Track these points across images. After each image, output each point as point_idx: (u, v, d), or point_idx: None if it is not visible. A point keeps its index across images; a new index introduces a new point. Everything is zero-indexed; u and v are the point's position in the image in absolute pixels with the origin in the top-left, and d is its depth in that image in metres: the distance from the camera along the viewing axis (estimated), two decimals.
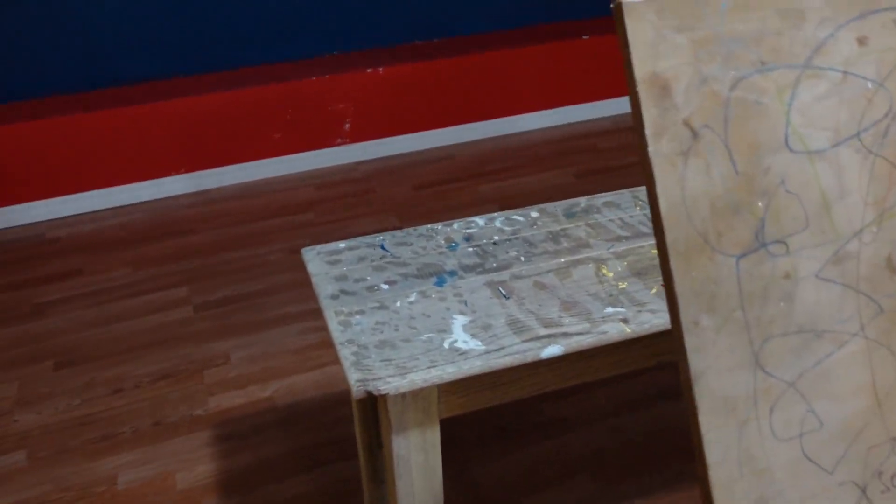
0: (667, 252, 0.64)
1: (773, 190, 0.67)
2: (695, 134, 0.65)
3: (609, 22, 3.97)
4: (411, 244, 1.44)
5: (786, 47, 0.68)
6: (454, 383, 1.17)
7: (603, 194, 1.59)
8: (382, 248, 1.44)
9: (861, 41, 0.70)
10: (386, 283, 1.32)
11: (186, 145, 3.31)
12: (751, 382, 0.67)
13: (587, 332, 1.17)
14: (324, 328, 2.39)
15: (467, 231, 1.48)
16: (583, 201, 1.57)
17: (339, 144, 3.55)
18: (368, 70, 3.45)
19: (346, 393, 2.12)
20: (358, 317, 1.23)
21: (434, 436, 1.20)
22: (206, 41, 3.42)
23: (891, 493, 0.72)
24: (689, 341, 0.65)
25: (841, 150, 0.70)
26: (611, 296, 1.25)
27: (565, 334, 1.17)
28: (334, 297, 1.29)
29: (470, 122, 3.74)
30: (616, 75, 3.92)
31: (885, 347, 0.72)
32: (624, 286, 1.28)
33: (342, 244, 1.46)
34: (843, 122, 0.70)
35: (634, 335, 1.17)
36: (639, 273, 1.32)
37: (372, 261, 1.39)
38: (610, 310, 1.22)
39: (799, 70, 0.68)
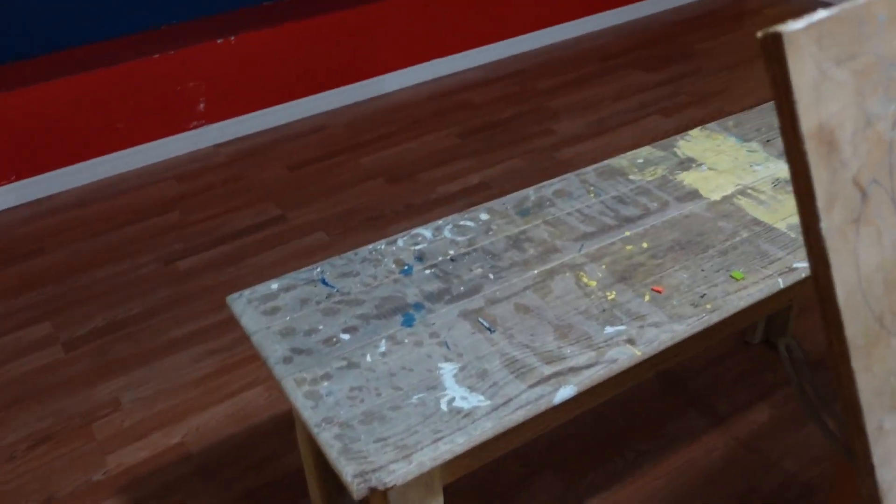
0: (847, 350, 0.50)
1: None
2: (864, 194, 0.50)
3: None
4: (357, 273, 1.24)
5: None
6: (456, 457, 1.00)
7: (550, 182, 1.44)
8: (324, 283, 1.22)
9: None
10: (344, 331, 1.12)
11: (12, 149, 2.84)
12: None
13: (595, 364, 1.03)
14: (223, 349, 2.13)
15: (416, 248, 1.29)
16: (531, 193, 1.41)
17: (195, 128, 3.18)
18: (218, 40, 3.09)
19: (269, 423, 1.90)
20: (326, 384, 1.03)
21: None
22: (16, 22, 2.91)
23: None
24: (876, 452, 0.52)
25: None
26: (604, 311, 1.12)
27: (572, 369, 1.02)
28: (287, 360, 1.07)
29: (336, 86, 3.46)
30: (480, 21, 3.76)
31: None
32: (613, 297, 1.15)
33: (274, 285, 1.23)
34: None
35: (645, 356, 1.05)
36: (622, 277, 1.19)
37: (318, 302, 1.18)
38: (610, 329, 1.08)
39: None
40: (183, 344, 2.16)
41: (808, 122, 0.48)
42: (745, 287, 1.15)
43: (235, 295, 1.21)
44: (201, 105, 3.16)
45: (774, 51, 0.47)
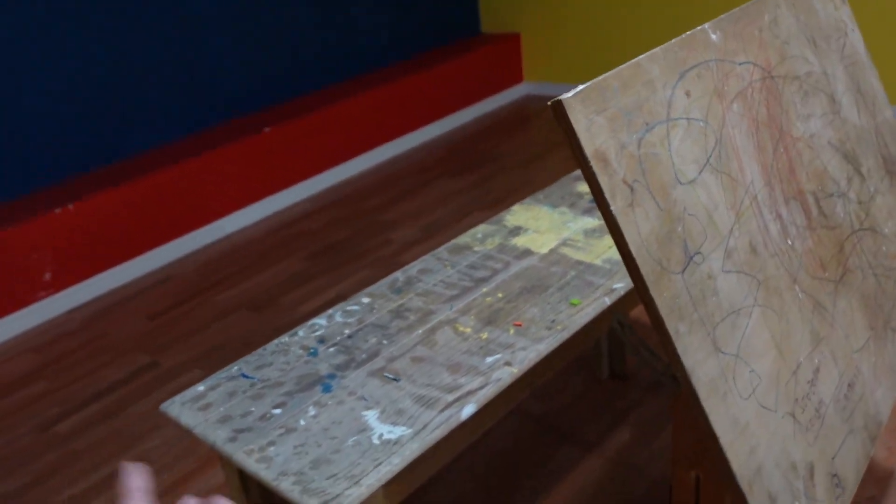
0: (645, 283, 0.81)
1: (681, 215, 0.88)
2: (631, 189, 0.82)
3: (285, 111, 4.13)
4: (271, 363, 1.44)
5: (654, 108, 0.89)
6: (395, 478, 1.21)
7: (412, 264, 1.73)
8: (245, 376, 1.41)
9: (688, 94, 0.94)
10: (275, 407, 1.31)
11: None
12: (717, 363, 0.86)
13: (486, 384, 1.29)
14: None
15: (316, 334, 1.51)
16: (399, 275, 1.69)
17: (42, 298, 3.20)
18: (57, 210, 3.17)
19: None
20: (272, 448, 1.21)
21: None
22: None
23: (808, 408, 0.96)
24: (679, 346, 0.82)
25: (704, 176, 0.93)
26: (481, 348, 1.39)
27: (469, 392, 1.28)
28: (232, 439, 1.25)
29: (178, 236, 3.61)
30: (304, 155, 4.09)
31: (769, 308, 0.96)
32: (485, 336, 1.43)
33: (200, 387, 1.40)
34: (698, 155, 0.93)
35: (521, 372, 1.33)
36: (489, 321, 1.47)
37: (244, 392, 1.36)
38: (490, 359, 1.36)
39: (666, 123, 0.90)
40: (83, 499, 2.16)
41: (588, 149, 0.79)
42: (582, 309, 1.47)
43: (167, 402, 1.36)
44: (47, 275, 3.19)
45: (560, 110, 0.79)
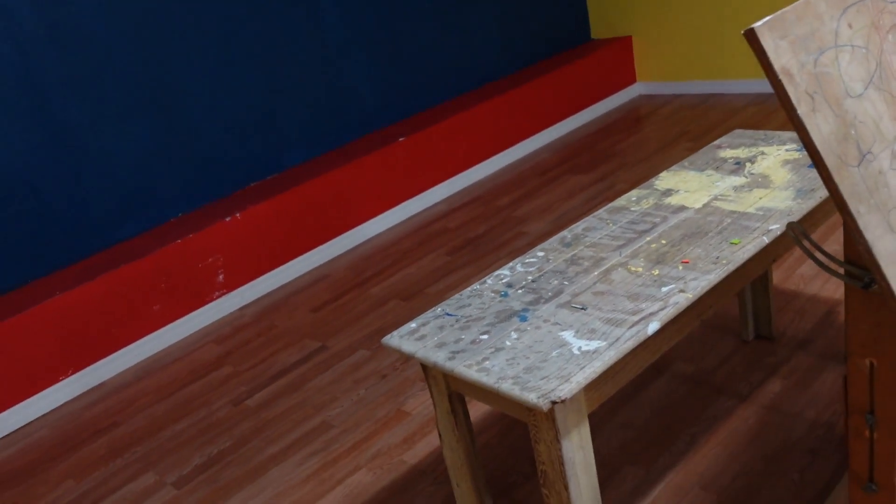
0: (829, 172, 0.99)
1: (853, 122, 1.05)
2: (812, 98, 1.01)
3: (416, 122, 4.45)
4: (469, 304, 1.67)
5: (824, 36, 1.07)
6: (594, 381, 1.41)
7: (577, 224, 1.94)
8: (448, 314, 1.65)
9: (850, 25, 1.12)
10: (482, 334, 1.54)
11: (65, 347, 3.16)
12: (893, 240, 1.03)
13: (665, 307, 1.48)
14: (318, 451, 2.45)
15: (503, 281, 1.74)
16: (566, 233, 1.90)
17: (217, 297, 3.58)
18: (227, 219, 3.56)
19: (383, 492, 2.21)
20: (487, 362, 1.44)
21: (586, 432, 1.42)
22: (54, 236, 3.34)
23: None
24: (861, 223, 0.99)
25: (869, 92, 1.10)
26: (655, 281, 1.58)
27: (651, 314, 1.47)
28: (450, 358, 1.48)
29: (328, 240, 3.95)
30: (434, 167, 4.38)
31: None
32: (657, 272, 1.62)
33: (413, 324, 1.64)
34: (863, 75, 1.10)
35: (695, 297, 1.51)
36: (658, 262, 1.66)
37: (452, 326, 1.60)
38: (665, 289, 1.54)
39: (834, 49, 1.08)
40: (282, 456, 2.46)
41: (776, 65, 0.98)
42: (743, 246, 1.64)
43: (387, 336, 1.62)
44: (220, 277, 3.58)
45: (752, 35, 0.98)
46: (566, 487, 1.42)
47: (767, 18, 1.01)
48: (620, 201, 2.02)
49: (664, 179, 2.10)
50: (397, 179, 4.21)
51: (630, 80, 5.52)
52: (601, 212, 1.99)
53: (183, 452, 2.61)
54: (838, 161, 1.01)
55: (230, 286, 3.61)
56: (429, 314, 1.67)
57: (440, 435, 1.71)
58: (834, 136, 1.02)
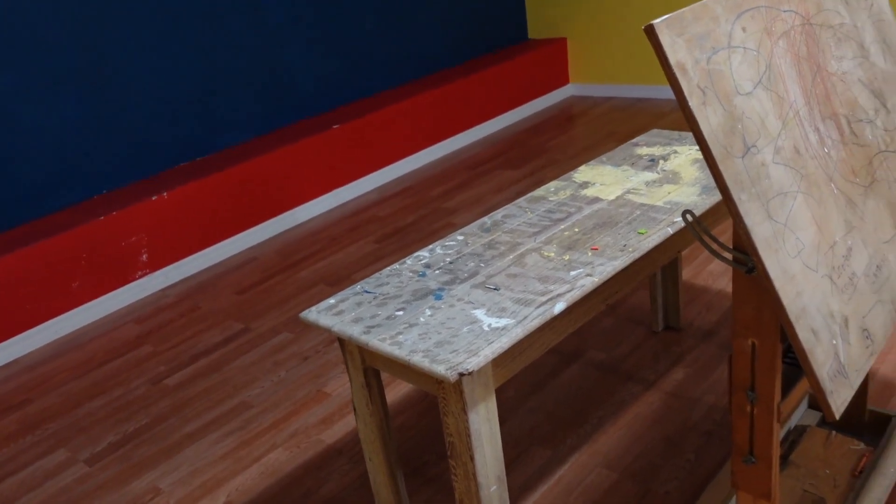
0: (715, 161, 1.07)
1: (741, 117, 1.14)
2: (703, 92, 1.09)
3: (351, 111, 4.46)
4: (388, 283, 1.72)
5: (719, 37, 1.16)
6: (502, 357, 1.48)
7: (496, 211, 2.01)
8: (367, 291, 1.69)
9: (744, 29, 1.21)
10: (397, 310, 1.59)
11: None
12: (771, 227, 1.12)
13: (572, 289, 1.56)
14: (237, 430, 2.46)
15: (422, 262, 1.79)
16: (486, 220, 1.97)
17: (140, 277, 3.54)
18: (153, 198, 3.52)
19: (299, 469, 2.24)
20: (401, 336, 1.49)
21: (493, 406, 1.49)
22: None
23: (843, 275, 1.21)
24: (741, 209, 1.08)
25: (757, 91, 1.19)
26: (565, 265, 1.66)
27: (559, 295, 1.54)
28: (366, 332, 1.53)
29: (258, 223, 3.94)
30: (367, 156, 4.41)
31: (810, 195, 1.21)
32: (568, 258, 1.69)
33: (331, 300, 1.68)
34: (752, 75, 1.19)
35: (601, 281, 1.59)
36: (569, 247, 1.74)
37: (369, 302, 1.64)
38: (574, 272, 1.62)
39: (727, 49, 1.16)
40: (200, 434, 2.46)
41: (672, 59, 1.06)
42: (649, 236, 1.74)
43: (306, 311, 1.65)
44: (144, 256, 3.53)
45: (651, 31, 1.06)
46: (472, 458, 1.49)
47: (666, 17, 1.09)
48: (540, 191, 2.10)
49: (582, 173, 2.19)
50: (332, 166, 4.22)
51: (563, 80, 5.65)
52: (521, 200, 2.06)
53: (97, 430, 2.58)
54: (724, 152, 1.09)
55: (154, 266, 3.57)
56: (348, 291, 1.72)
57: (355, 409, 1.75)
58: (721, 128, 1.10)
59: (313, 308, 1.67)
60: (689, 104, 1.07)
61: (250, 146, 4.07)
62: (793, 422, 1.92)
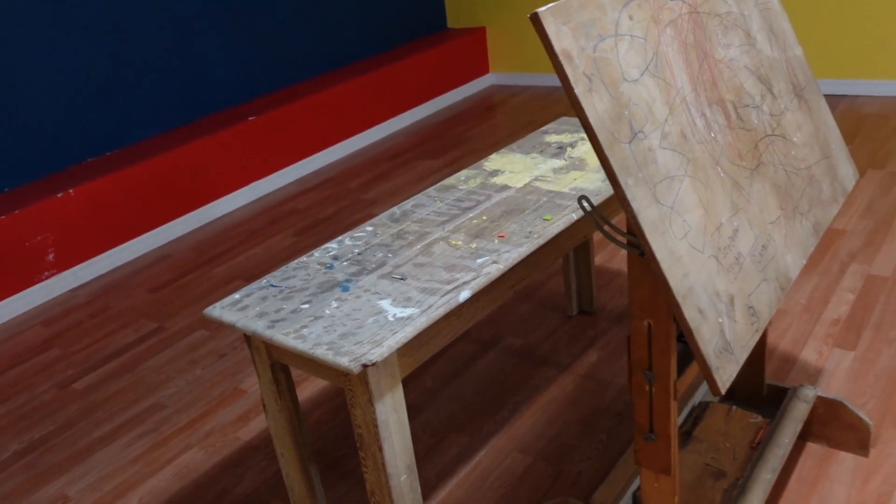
0: (601, 147, 1.09)
1: (628, 103, 1.17)
2: (589, 79, 1.11)
3: (269, 102, 4.38)
4: (294, 276, 1.70)
5: (605, 25, 1.18)
6: (407, 345, 1.48)
7: (406, 201, 2.00)
8: (273, 286, 1.67)
9: (631, 17, 1.23)
10: (303, 303, 1.57)
11: None
12: (658, 210, 1.15)
13: (477, 277, 1.57)
14: (149, 432, 2.39)
15: (330, 254, 1.77)
16: (396, 210, 1.96)
17: (46, 278, 3.40)
18: (59, 195, 3.38)
19: (215, 469, 2.20)
20: (305, 330, 1.47)
21: (400, 396, 1.49)
22: None
23: (729, 255, 1.25)
24: (628, 194, 1.11)
25: (644, 78, 1.22)
26: (472, 253, 1.67)
27: (464, 283, 1.55)
28: (270, 327, 1.51)
29: (173, 218, 3.84)
30: (286, 147, 4.34)
31: (696, 179, 1.25)
32: (475, 246, 1.71)
33: (236, 295, 1.65)
34: (639, 63, 1.22)
35: (507, 268, 1.61)
36: (476, 235, 1.75)
37: (275, 296, 1.62)
38: (480, 260, 1.64)
39: (614, 37, 1.19)
40: (110, 438, 2.39)
41: (557, 47, 1.08)
42: (554, 223, 1.76)
43: (209, 308, 1.62)
44: (50, 256, 3.40)
45: (536, 19, 1.07)
46: (380, 449, 1.48)
47: (551, 5, 1.10)
48: (450, 180, 2.11)
49: (493, 161, 2.20)
50: (249, 158, 4.14)
51: (483, 70, 5.68)
52: (431, 190, 2.06)
53: (0, 439, 2.47)
54: (611, 137, 1.12)
55: (62, 266, 3.44)
56: (253, 286, 1.69)
57: (264, 405, 1.73)
58: (608, 114, 1.12)
59: (217, 304, 1.63)
60: (575, 91, 1.09)
61: (163, 139, 3.96)
62: (697, 398, 1.98)
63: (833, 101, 4.32)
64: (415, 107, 5.15)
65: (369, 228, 1.88)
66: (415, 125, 5.08)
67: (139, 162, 3.65)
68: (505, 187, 2.00)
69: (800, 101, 1.65)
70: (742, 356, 1.23)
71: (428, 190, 2.06)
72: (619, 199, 1.12)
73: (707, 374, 1.16)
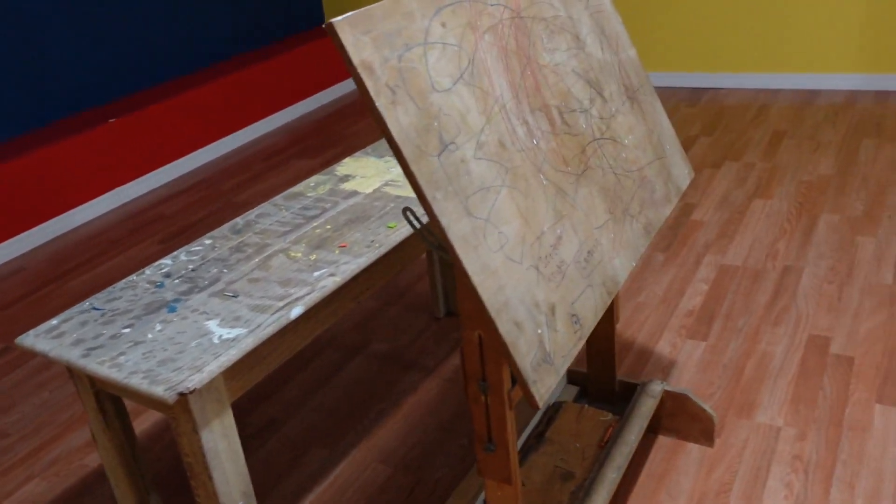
0: (406, 161, 1.05)
1: (437, 114, 1.13)
2: (393, 91, 1.07)
3: (133, 102, 4.17)
4: (120, 297, 1.59)
5: (413, 34, 1.14)
6: (234, 368, 1.41)
7: (251, 211, 1.92)
8: (95, 308, 1.56)
9: (444, 24, 1.20)
10: (124, 328, 1.47)
11: None
12: (470, 224, 1.12)
13: (312, 292, 1.51)
14: (7, 449, 2.23)
15: (162, 271, 1.68)
16: (239, 220, 1.88)
17: None
18: None
19: (58, 500, 2.06)
20: (122, 357, 1.38)
21: (230, 421, 1.42)
22: None
23: (550, 264, 1.24)
24: (436, 208, 1.07)
25: (458, 87, 1.19)
26: (310, 266, 1.61)
27: (297, 298, 1.49)
28: (85, 356, 1.40)
29: (25, 230, 3.59)
30: (152, 150, 4.14)
31: (515, 188, 1.23)
32: (315, 257, 1.65)
33: (54, 321, 1.53)
34: (452, 71, 1.19)
35: (343, 280, 1.56)
36: (317, 246, 1.69)
37: (96, 321, 1.51)
38: (317, 273, 1.58)
39: (423, 46, 1.15)
40: None
41: (355, 59, 1.03)
42: (398, 230, 1.72)
43: (21, 336, 1.49)
44: None
45: (331, 29, 1.02)
46: (210, 478, 1.41)
47: (349, 14, 1.05)
48: (299, 187, 2.04)
49: (345, 165, 2.15)
50: (108, 163, 3.92)
51: None
52: (278, 198, 1.99)
53: None
54: (417, 151, 1.08)
55: None
56: (74, 309, 1.57)
57: (93, 435, 1.62)
58: (414, 127, 1.09)
59: (31, 332, 1.51)
60: (376, 104, 1.04)
61: (13, 145, 3.69)
62: (552, 398, 1.99)
63: (698, 93, 4.48)
64: (291, 105, 5.02)
65: (207, 242, 1.79)
66: (291, 124, 4.95)
67: None
68: (354, 193, 1.95)
69: (632, 102, 1.67)
70: (563, 366, 1.22)
71: (275, 198, 1.99)
72: (427, 214, 1.09)
73: (524, 389, 1.15)
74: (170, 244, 3.47)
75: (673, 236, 2.94)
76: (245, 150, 4.56)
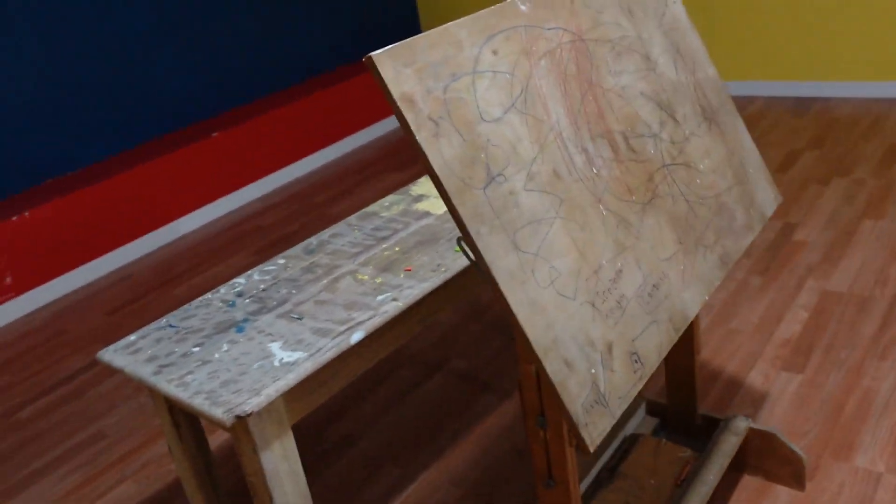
0: (448, 195, 1.03)
1: (485, 145, 1.11)
2: (436, 123, 1.05)
3: (232, 118, 4.35)
4: (195, 315, 1.65)
5: (462, 63, 1.12)
6: (294, 390, 1.43)
7: (325, 231, 1.95)
8: (171, 326, 1.62)
9: (495, 52, 1.17)
10: (195, 346, 1.52)
11: None
12: (517, 259, 1.09)
13: (374, 316, 1.51)
14: (85, 464, 2.36)
15: (235, 290, 1.72)
16: (314, 240, 1.91)
17: (4, 302, 3.37)
18: (13, 218, 3.36)
19: (147, 502, 2.15)
20: (189, 376, 1.42)
21: (290, 443, 1.44)
22: None
23: (609, 300, 1.19)
24: (480, 244, 1.05)
25: (509, 116, 1.16)
26: (375, 289, 1.62)
27: (359, 323, 1.50)
28: (156, 372, 1.46)
29: (132, 240, 3.80)
30: (250, 163, 4.30)
31: (571, 220, 1.19)
32: (380, 280, 1.65)
33: (132, 336, 1.60)
34: (503, 100, 1.16)
35: (406, 305, 1.55)
36: (384, 269, 1.70)
37: (170, 338, 1.57)
38: (381, 297, 1.58)
39: (472, 75, 1.13)
40: (46, 471, 2.35)
41: (395, 92, 1.02)
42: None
43: (102, 351, 1.57)
44: (8, 280, 3.37)
45: (371, 63, 1.01)
46: (271, 499, 1.43)
47: (390, 47, 1.04)
48: (374, 207, 2.05)
49: (420, 185, 2.15)
50: (211, 176, 4.10)
51: None
52: (352, 217, 2.01)
53: None
54: (461, 184, 1.06)
55: (19, 289, 3.41)
56: (152, 326, 1.64)
57: (169, 447, 1.68)
58: (458, 159, 1.06)
59: (111, 347, 1.59)
60: (417, 138, 1.03)
61: (121, 159, 3.92)
62: (629, 429, 1.92)
63: (806, 103, 4.23)
64: (384, 118, 5.09)
65: (281, 261, 1.83)
66: (384, 137, 5.02)
67: (98, 182, 3.62)
68: (426, 214, 1.95)
69: (710, 124, 1.58)
70: (619, 408, 1.16)
71: (350, 217, 2.01)
72: (471, 249, 1.06)
73: (574, 432, 1.10)
74: (266, 254, 3.58)
75: (772, 258, 2.78)
76: (338, 164, 4.66)
